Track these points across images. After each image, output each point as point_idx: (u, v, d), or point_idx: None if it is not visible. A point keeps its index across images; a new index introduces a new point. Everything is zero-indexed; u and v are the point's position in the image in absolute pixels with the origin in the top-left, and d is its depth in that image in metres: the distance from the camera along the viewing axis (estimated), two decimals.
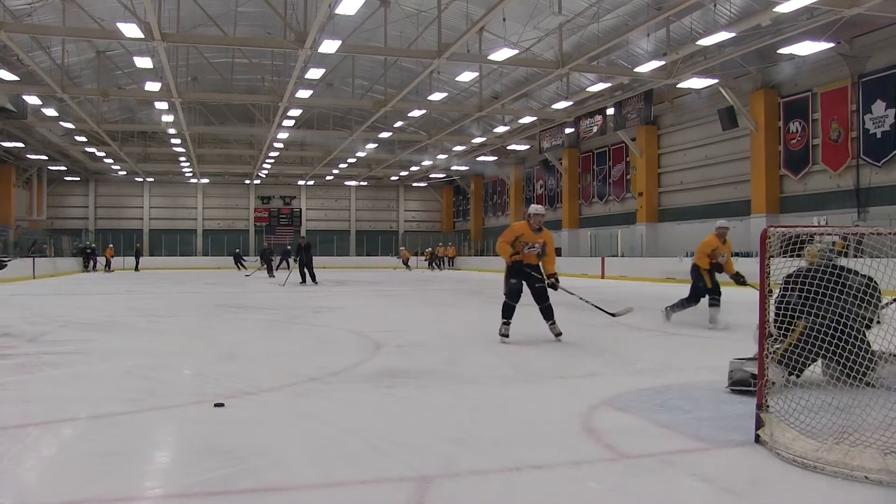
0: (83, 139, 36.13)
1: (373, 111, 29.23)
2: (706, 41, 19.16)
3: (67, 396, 5.35)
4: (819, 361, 4.83)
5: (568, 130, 31.87)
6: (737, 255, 22.29)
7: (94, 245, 40.89)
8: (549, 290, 8.46)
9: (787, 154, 23.29)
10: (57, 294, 18.13)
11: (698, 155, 28.02)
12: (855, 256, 4.22)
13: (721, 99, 24.44)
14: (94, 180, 49.49)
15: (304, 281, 22.85)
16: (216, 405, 4.90)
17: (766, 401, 4.00)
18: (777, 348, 4.73)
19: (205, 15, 21.02)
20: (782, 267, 4.46)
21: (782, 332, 4.70)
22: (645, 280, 25.20)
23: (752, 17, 18.00)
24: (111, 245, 41.18)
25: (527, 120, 31.83)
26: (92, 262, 37.82)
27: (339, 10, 17.26)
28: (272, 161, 44.14)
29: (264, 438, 4.14)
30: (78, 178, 48.23)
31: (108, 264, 38.79)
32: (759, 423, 3.97)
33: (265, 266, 30.99)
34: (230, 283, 25.39)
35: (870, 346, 4.56)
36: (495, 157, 41.68)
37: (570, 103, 28.34)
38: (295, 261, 23.73)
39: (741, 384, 5.22)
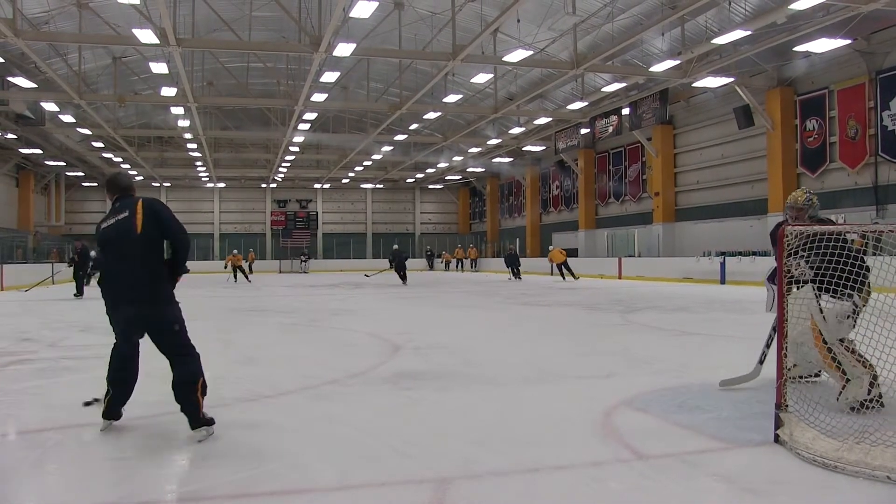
0: (100, 145, 36.53)
1: (388, 114, 29.32)
2: (721, 39, 19.10)
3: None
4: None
5: (583, 131, 31.81)
6: (754, 254, 22.39)
7: None
8: None
9: (803, 152, 23.09)
10: (76, 299, 18.24)
11: (714, 154, 27.84)
12: (874, 254, 4.17)
13: (737, 97, 24.29)
14: None
15: (78, 293, 18.58)
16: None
17: (786, 400, 3.98)
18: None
19: (220, 20, 21.19)
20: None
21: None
22: (662, 280, 25.08)
23: (768, 15, 17.89)
24: None
25: (542, 121, 31.82)
26: None
27: (354, 14, 17.36)
28: (288, 164, 44.43)
29: (284, 441, 4.17)
30: (95, 184, 48.65)
31: None
32: (779, 423, 3.95)
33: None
34: (250, 287, 25.46)
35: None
36: (511, 159, 41.71)
37: (586, 104, 28.32)
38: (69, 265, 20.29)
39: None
